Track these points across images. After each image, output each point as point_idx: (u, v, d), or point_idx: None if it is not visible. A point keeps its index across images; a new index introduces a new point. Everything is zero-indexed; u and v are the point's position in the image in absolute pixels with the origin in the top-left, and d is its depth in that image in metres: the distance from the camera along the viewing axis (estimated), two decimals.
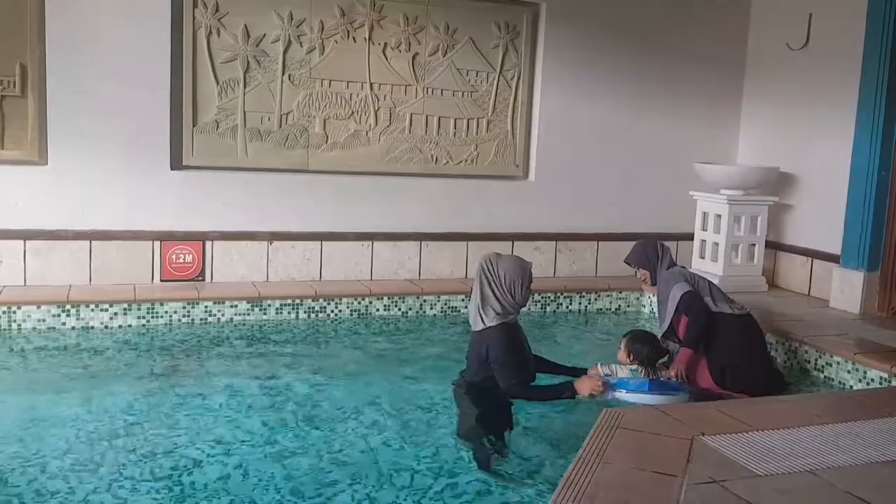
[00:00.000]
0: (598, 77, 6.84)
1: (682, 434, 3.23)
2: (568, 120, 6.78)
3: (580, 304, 6.47)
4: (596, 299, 6.50)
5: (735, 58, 7.26)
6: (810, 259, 6.52)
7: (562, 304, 6.43)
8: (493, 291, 3.97)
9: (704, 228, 6.67)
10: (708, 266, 6.59)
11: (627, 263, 4.86)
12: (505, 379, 3.89)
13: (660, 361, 4.36)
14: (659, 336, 4.50)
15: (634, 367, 4.21)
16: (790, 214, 6.79)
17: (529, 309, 6.15)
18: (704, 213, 6.67)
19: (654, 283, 4.67)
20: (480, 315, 3.99)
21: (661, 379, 4.21)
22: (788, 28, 6.73)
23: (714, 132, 7.27)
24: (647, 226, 6.84)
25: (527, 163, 6.78)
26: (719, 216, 6.50)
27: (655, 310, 4.83)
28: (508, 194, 6.71)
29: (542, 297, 6.36)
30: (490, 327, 3.96)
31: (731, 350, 4.36)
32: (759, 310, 5.75)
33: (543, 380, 4.14)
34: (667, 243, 6.98)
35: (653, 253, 4.67)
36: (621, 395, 4.02)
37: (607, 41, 6.82)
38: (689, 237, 6.88)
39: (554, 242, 6.83)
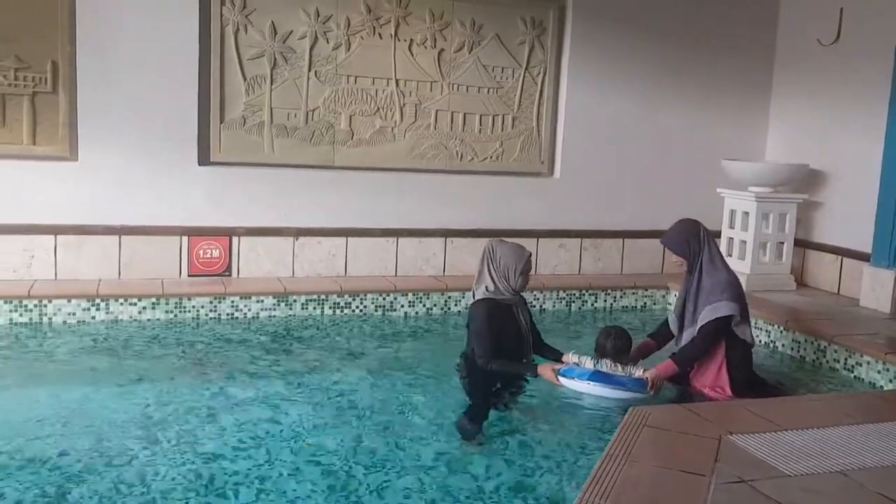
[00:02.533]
0: (625, 73, 6.80)
1: (710, 433, 3.20)
2: (594, 116, 6.74)
3: (605, 301, 6.44)
4: (621, 297, 6.46)
5: (764, 53, 7.18)
6: (840, 257, 6.44)
7: (587, 301, 6.40)
8: (489, 274, 4.15)
9: (732, 226, 6.61)
10: (735, 264, 6.51)
11: (663, 244, 4.45)
12: (476, 349, 4.05)
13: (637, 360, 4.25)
14: (675, 323, 4.34)
15: (599, 360, 4.08)
16: (820, 212, 6.70)
17: (554, 306, 6.16)
18: (732, 210, 6.61)
19: (690, 272, 4.25)
20: (474, 291, 4.22)
21: (618, 373, 4.01)
22: (819, 23, 6.64)
23: (742, 128, 7.19)
24: (673, 222, 6.76)
25: (552, 159, 6.76)
26: (747, 214, 6.44)
27: (683, 294, 4.33)
28: (533, 191, 6.69)
29: (567, 294, 6.34)
30: (476, 300, 4.16)
31: (745, 364, 4.23)
32: (787, 308, 5.71)
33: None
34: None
35: (695, 242, 4.23)
36: (565, 382, 3.98)
37: (634, 37, 6.78)
38: (716, 235, 6.79)
39: (579, 240, 6.80)
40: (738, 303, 4.13)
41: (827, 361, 5.00)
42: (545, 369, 4.03)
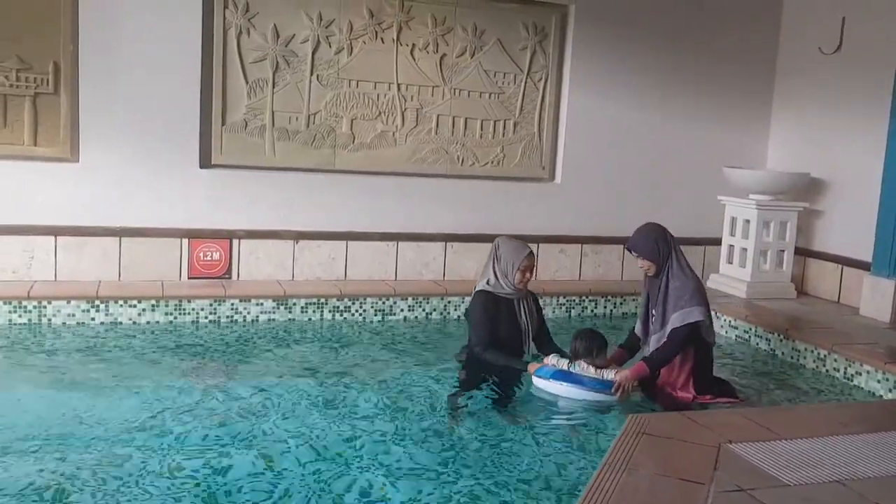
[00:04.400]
0: (627, 79, 6.81)
1: (709, 441, 3.19)
2: (595, 122, 6.75)
3: (605, 307, 6.44)
4: (622, 303, 6.45)
5: (766, 61, 7.19)
6: (840, 266, 6.43)
7: (587, 307, 6.39)
8: (492, 268, 4.38)
9: (733, 234, 6.61)
10: (736, 272, 6.53)
11: (630, 250, 4.37)
12: (472, 337, 4.33)
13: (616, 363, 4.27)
14: (641, 328, 4.39)
15: (573, 362, 4.12)
16: (820, 220, 6.70)
17: (554, 312, 6.15)
18: (733, 218, 6.61)
19: (657, 276, 4.24)
20: (477, 282, 4.44)
21: (586, 374, 4.04)
22: (821, 32, 6.65)
23: (743, 136, 7.20)
24: (674, 230, 6.59)
25: (553, 165, 6.76)
26: (748, 221, 6.44)
27: (647, 300, 4.35)
28: (534, 196, 6.69)
29: (567, 301, 6.33)
30: (476, 291, 4.41)
31: (709, 364, 4.30)
32: (787, 317, 5.71)
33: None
34: (694, 248, 7.04)
35: (664, 246, 4.23)
36: (536, 381, 4.11)
37: (636, 43, 6.78)
38: (717, 242, 6.82)
39: (580, 246, 6.80)
40: (706, 307, 4.20)
41: (827, 370, 4.99)
42: (532, 367, 4.15)
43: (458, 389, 4.19)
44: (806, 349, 5.16)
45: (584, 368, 4.07)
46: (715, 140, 7.07)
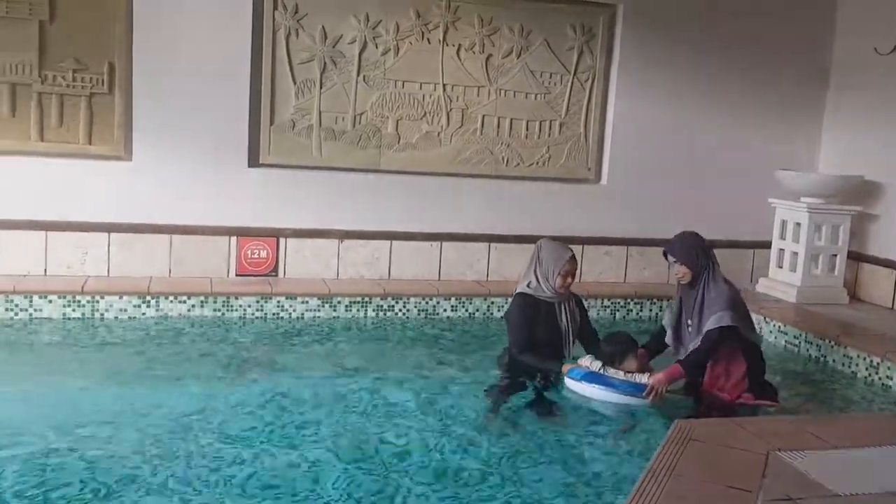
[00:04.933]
0: (675, 80, 6.72)
1: (757, 448, 3.14)
2: (642, 123, 6.67)
3: (650, 310, 6.37)
4: (667, 306, 6.35)
5: (819, 61, 7.03)
6: (895, 271, 6.26)
7: (632, 310, 6.33)
8: (534, 270, 4.37)
9: (783, 237, 6.49)
10: (786, 276, 6.41)
11: (669, 253, 4.29)
12: (510, 339, 4.37)
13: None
14: (672, 337, 4.35)
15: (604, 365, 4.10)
16: (875, 224, 6.53)
17: (598, 314, 6.10)
18: (783, 221, 6.48)
19: (693, 286, 4.22)
20: (518, 284, 4.45)
21: (616, 377, 4.01)
22: (876, 31, 6.48)
23: (795, 138, 7.05)
24: (722, 232, 6.67)
25: (599, 166, 6.71)
26: (799, 225, 6.31)
27: (679, 307, 4.32)
28: (580, 197, 6.64)
29: (611, 303, 6.28)
30: (516, 293, 4.42)
31: (762, 367, 4.25)
32: (839, 323, 5.58)
33: None
34: (742, 252, 6.93)
35: (703, 254, 4.21)
36: (567, 382, 4.11)
37: (684, 43, 6.70)
38: (767, 245, 6.70)
39: (625, 247, 6.74)
40: (740, 313, 4.14)
41: (880, 378, 4.87)
42: (566, 368, 4.15)
43: (499, 392, 4.18)
44: (858, 356, 5.04)
45: (615, 371, 4.06)
46: (765, 142, 6.94)
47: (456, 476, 3.21)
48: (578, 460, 3.43)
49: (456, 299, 5.95)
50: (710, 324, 4.06)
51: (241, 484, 3.07)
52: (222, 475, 3.13)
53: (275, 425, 3.66)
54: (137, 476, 3.08)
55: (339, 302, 5.72)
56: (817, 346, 5.36)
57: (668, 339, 4.39)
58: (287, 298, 5.63)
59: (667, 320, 4.45)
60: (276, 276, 5.99)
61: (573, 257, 4.39)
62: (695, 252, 4.22)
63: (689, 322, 4.24)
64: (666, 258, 4.34)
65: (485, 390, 4.20)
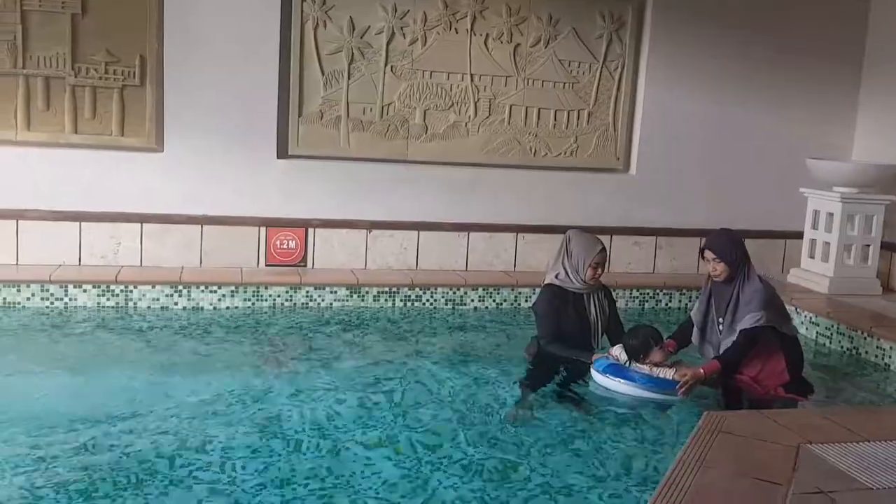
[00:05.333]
0: (705, 68, 6.65)
1: (788, 441, 3.12)
2: (672, 112, 6.61)
3: (680, 301, 6.33)
4: (697, 297, 6.30)
5: (853, 47, 6.91)
6: None
7: (661, 300, 6.30)
8: (563, 262, 4.37)
9: (815, 227, 6.40)
10: (818, 266, 6.33)
11: (708, 249, 4.18)
12: (538, 330, 4.39)
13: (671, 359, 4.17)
14: (698, 335, 4.31)
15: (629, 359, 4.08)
16: None
17: (627, 305, 6.07)
18: (815, 211, 6.39)
19: (728, 282, 4.16)
20: (546, 275, 4.45)
21: (638, 370, 3.98)
22: None
23: (827, 126, 6.94)
24: (753, 223, 6.62)
25: (628, 156, 6.66)
26: (831, 215, 6.22)
27: (706, 304, 4.30)
28: (608, 187, 6.61)
29: (640, 293, 6.25)
30: (544, 284, 4.43)
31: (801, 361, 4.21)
32: (872, 314, 5.51)
33: None
34: (774, 242, 6.85)
35: (741, 252, 4.19)
36: (592, 373, 4.10)
37: (715, 32, 6.61)
38: (798, 236, 6.62)
39: (654, 238, 6.70)
40: (777, 311, 4.11)
41: None
42: (596, 357, 4.14)
43: (527, 383, 4.19)
44: (891, 348, 4.96)
45: (640, 366, 4.02)
46: (797, 131, 6.84)
47: (483, 467, 3.22)
48: (607, 452, 3.43)
49: (483, 290, 5.96)
50: (746, 323, 4.01)
51: (269, 469, 3.11)
52: (255, 463, 3.17)
53: (303, 412, 3.70)
54: (169, 463, 3.13)
55: (367, 292, 5.75)
56: (850, 337, 5.29)
57: (694, 336, 4.35)
58: (316, 288, 5.67)
59: (695, 313, 4.41)
60: (305, 266, 6.04)
61: (603, 249, 4.38)
62: (735, 250, 4.17)
63: (721, 320, 4.19)
64: (702, 255, 4.25)
65: (515, 381, 4.21)
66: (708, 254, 4.20)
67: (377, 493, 2.97)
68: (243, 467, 3.12)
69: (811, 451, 3.04)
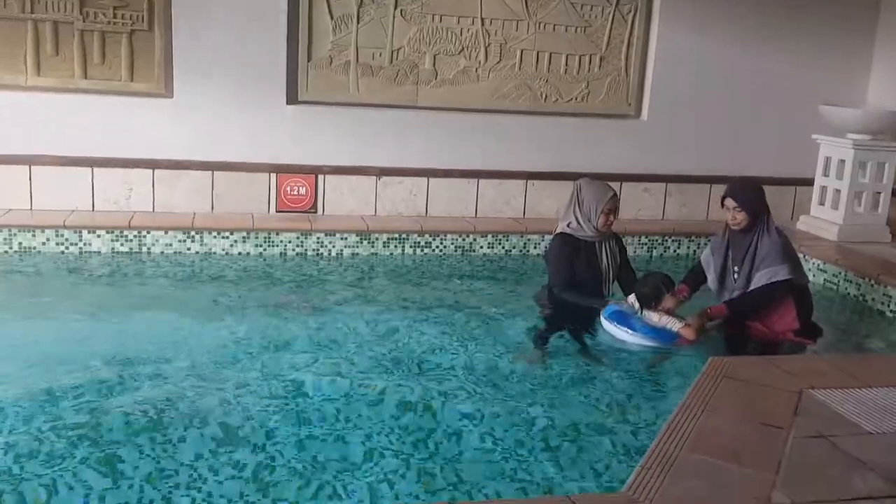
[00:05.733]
0: (718, 11, 6.53)
1: (791, 386, 3.17)
2: (685, 57, 6.53)
3: (688, 248, 6.34)
4: (705, 244, 6.30)
5: None
6: None
7: (669, 247, 6.32)
8: (574, 211, 4.35)
9: (826, 174, 6.37)
10: (827, 214, 6.33)
11: (730, 198, 4.16)
12: (551, 278, 4.40)
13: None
14: (715, 282, 4.32)
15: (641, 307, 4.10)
16: None
17: (635, 251, 6.09)
18: (827, 158, 6.36)
19: (747, 232, 4.15)
20: (558, 222, 4.45)
21: (654, 320, 4.00)
22: None
23: (842, 72, 6.85)
24: (764, 169, 6.58)
25: (640, 101, 6.61)
26: (843, 162, 6.18)
27: (725, 256, 4.29)
28: (619, 134, 6.57)
29: (648, 240, 6.27)
30: (556, 233, 4.43)
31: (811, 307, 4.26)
32: (881, 261, 5.52)
33: None
34: (784, 188, 6.83)
35: (762, 203, 4.18)
36: (602, 320, 4.11)
37: None
38: (809, 183, 6.59)
39: (664, 184, 6.68)
40: (793, 263, 4.12)
41: None
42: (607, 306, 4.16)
43: (541, 329, 4.24)
44: None
45: (650, 314, 4.04)
46: (811, 76, 6.76)
47: (491, 409, 3.29)
48: (613, 396, 3.49)
49: (493, 236, 5.99)
50: (765, 278, 4.03)
51: (286, 414, 3.19)
52: (269, 406, 3.24)
53: (316, 358, 3.76)
54: (182, 407, 3.17)
55: (377, 238, 5.80)
56: (857, 284, 5.32)
57: (711, 281, 4.35)
58: (326, 235, 5.72)
59: (706, 259, 4.42)
60: (316, 212, 6.07)
61: (615, 195, 4.37)
62: (756, 200, 4.17)
63: (737, 269, 4.20)
64: (722, 203, 4.23)
65: (530, 328, 4.25)
66: (729, 202, 4.18)
67: (388, 436, 3.04)
68: (257, 411, 3.19)
69: (813, 396, 3.10)
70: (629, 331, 4.01)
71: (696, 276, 4.46)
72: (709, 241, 4.60)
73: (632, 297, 4.18)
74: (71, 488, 2.59)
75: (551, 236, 4.52)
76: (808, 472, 2.51)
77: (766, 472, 2.47)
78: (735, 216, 4.15)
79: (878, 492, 2.42)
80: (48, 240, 5.35)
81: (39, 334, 4.01)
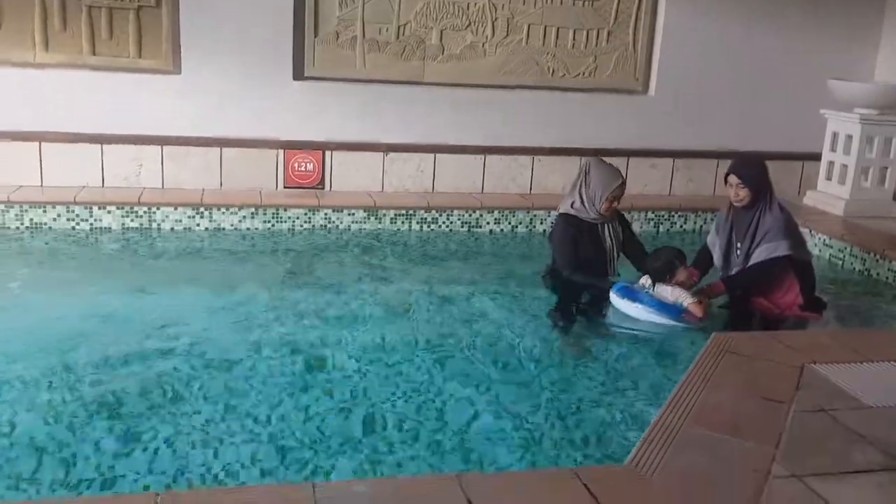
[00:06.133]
0: None
1: (793, 361, 3.21)
2: (693, 31, 6.50)
3: (695, 223, 6.36)
4: (712, 219, 6.31)
5: None
6: None
7: (675, 222, 6.34)
8: (580, 191, 4.33)
9: (833, 149, 6.36)
10: (834, 189, 6.33)
11: (734, 174, 4.16)
12: (558, 260, 4.41)
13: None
14: (720, 259, 4.32)
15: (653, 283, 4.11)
16: None
17: (642, 227, 6.12)
18: (834, 133, 6.34)
19: (749, 208, 4.16)
20: (562, 202, 4.43)
21: (663, 296, 4.00)
22: None
23: (851, 46, 6.81)
24: (772, 144, 6.58)
25: (647, 76, 6.59)
26: (850, 137, 6.17)
27: (730, 233, 4.29)
28: (626, 109, 6.56)
29: (655, 215, 6.29)
30: (559, 213, 4.42)
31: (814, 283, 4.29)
32: (886, 236, 5.53)
33: None
34: (791, 164, 6.83)
35: (765, 179, 4.19)
36: (611, 297, 4.11)
37: None
38: (816, 157, 6.58)
39: (671, 160, 6.68)
40: (795, 238, 4.15)
41: None
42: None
43: (553, 312, 4.22)
44: None
45: (662, 288, 4.04)
46: (819, 51, 6.72)
47: (497, 384, 3.35)
48: (618, 371, 3.54)
49: (499, 212, 6.02)
50: (765, 253, 4.06)
51: (294, 389, 3.25)
52: (276, 380, 3.31)
53: (323, 334, 3.81)
54: (193, 381, 3.25)
55: (384, 214, 5.83)
56: (862, 259, 5.34)
57: (717, 259, 4.37)
58: (334, 211, 5.76)
59: (711, 239, 4.44)
60: (323, 188, 6.11)
61: (623, 183, 4.32)
62: (760, 174, 4.17)
63: (739, 245, 4.22)
64: (725, 180, 4.23)
65: (547, 313, 4.22)
66: (733, 178, 4.18)
67: (393, 407, 3.11)
68: (265, 384, 3.25)
69: (815, 370, 3.14)
70: (637, 305, 4.02)
71: (704, 259, 4.46)
72: (714, 217, 4.62)
73: (644, 278, 4.18)
74: (87, 458, 2.65)
75: (555, 217, 4.53)
76: (808, 445, 2.56)
77: (767, 445, 2.53)
78: (738, 192, 4.16)
79: (876, 465, 2.47)
80: (59, 216, 5.41)
81: (53, 308, 4.07)
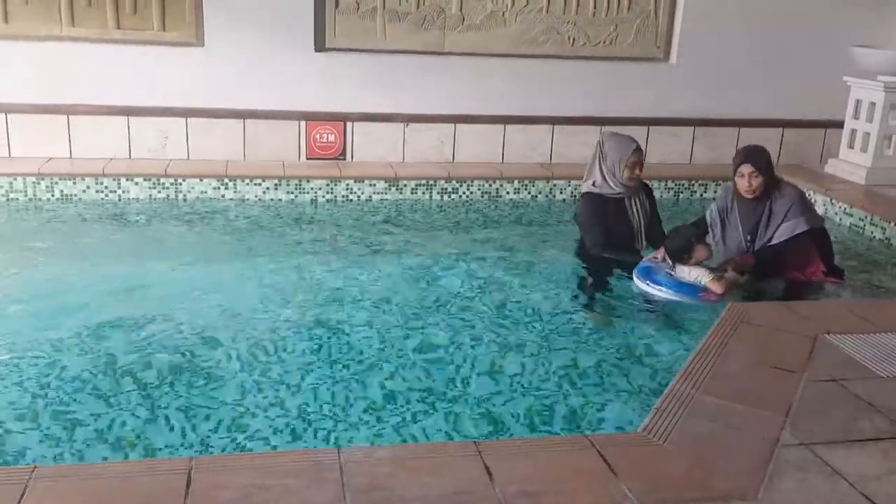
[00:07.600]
0: None
1: (807, 331, 3.25)
2: None
3: (715, 192, 6.31)
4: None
5: None
6: None
7: (696, 192, 6.35)
8: (599, 167, 4.33)
9: (856, 117, 6.31)
10: (856, 157, 6.29)
11: (748, 163, 4.09)
12: (587, 239, 4.42)
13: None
14: (722, 245, 4.30)
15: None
16: None
17: (661, 196, 6.12)
18: (858, 100, 6.28)
19: (762, 198, 4.13)
20: (584, 181, 4.45)
21: (685, 274, 3.99)
22: None
23: (874, 12, 6.70)
24: (794, 112, 6.55)
25: (668, 44, 6.55)
26: (874, 104, 6.11)
27: (741, 224, 4.26)
28: (647, 77, 6.54)
29: (675, 185, 6.30)
30: (582, 193, 4.45)
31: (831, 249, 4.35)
32: None
33: None
34: (813, 131, 6.78)
35: (772, 167, 4.18)
36: (634, 276, 4.13)
37: None
38: (839, 125, 6.53)
39: (692, 128, 6.66)
40: (810, 212, 4.21)
41: None
42: (644, 260, 4.20)
43: (587, 286, 4.28)
44: None
45: (681, 268, 4.03)
46: (842, 17, 6.62)
47: (514, 349, 3.44)
48: (633, 341, 3.60)
49: (519, 182, 6.06)
50: (786, 232, 4.08)
51: (315, 355, 3.36)
52: (299, 348, 3.41)
53: (343, 304, 3.90)
54: (217, 349, 3.35)
55: (405, 185, 5.90)
56: (882, 228, 5.33)
57: (714, 242, 4.29)
58: (356, 181, 5.84)
59: (711, 216, 4.37)
60: (345, 159, 6.18)
61: (639, 148, 4.33)
62: (771, 164, 4.18)
63: (749, 238, 4.20)
64: (735, 172, 4.17)
65: (556, 273, 4.31)
66: (745, 168, 4.10)
67: (403, 377, 3.19)
68: (292, 350, 3.36)
69: (828, 341, 3.18)
70: (656, 286, 4.03)
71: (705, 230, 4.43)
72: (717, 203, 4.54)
73: (663, 251, 4.16)
74: (110, 427, 2.76)
75: (578, 197, 4.53)
76: (817, 414, 2.62)
77: (777, 413, 2.59)
78: (751, 182, 4.09)
79: (884, 433, 2.53)
80: (88, 188, 5.54)
81: (83, 279, 4.17)
